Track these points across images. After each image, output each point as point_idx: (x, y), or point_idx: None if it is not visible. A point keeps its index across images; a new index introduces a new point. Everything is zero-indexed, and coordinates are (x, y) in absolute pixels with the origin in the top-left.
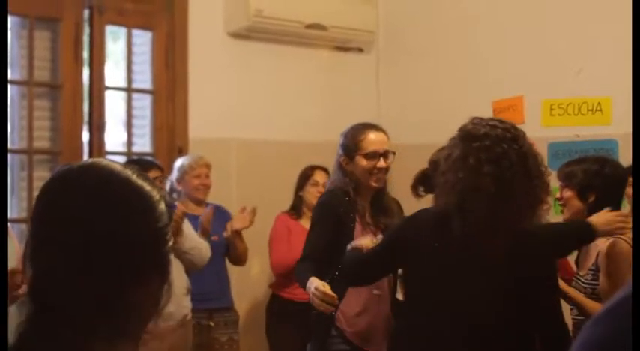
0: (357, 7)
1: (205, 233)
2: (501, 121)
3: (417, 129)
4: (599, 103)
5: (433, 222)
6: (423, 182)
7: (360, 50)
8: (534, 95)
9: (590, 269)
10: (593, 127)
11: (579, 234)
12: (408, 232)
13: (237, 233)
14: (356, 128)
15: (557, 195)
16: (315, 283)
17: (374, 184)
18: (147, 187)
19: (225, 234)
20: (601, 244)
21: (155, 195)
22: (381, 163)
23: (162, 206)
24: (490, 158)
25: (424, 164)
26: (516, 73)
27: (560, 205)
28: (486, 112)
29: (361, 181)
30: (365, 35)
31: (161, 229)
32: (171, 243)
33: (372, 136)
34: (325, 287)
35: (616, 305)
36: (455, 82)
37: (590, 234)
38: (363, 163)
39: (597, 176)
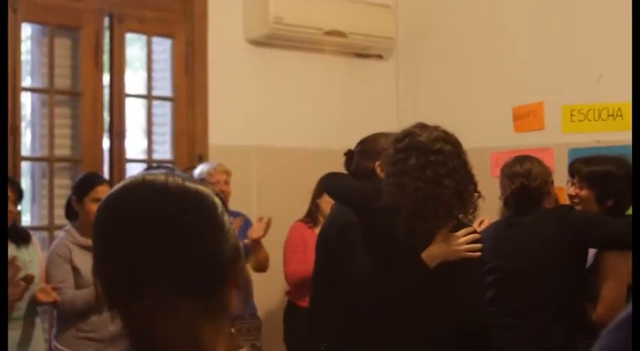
0: (376, 13)
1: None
2: (446, 134)
3: None
4: (619, 109)
5: (381, 221)
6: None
7: (380, 57)
8: (554, 101)
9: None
10: (614, 132)
11: None
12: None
13: (257, 242)
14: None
15: (571, 191)
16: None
17: None
18: (200, 188)
19: (246, 241)
20: None
21: (210, 193)
22: None
23: (219, 201)
24: (447, 172)
25: None
26: (536, 79)
27: (575, 202)
28: (507, 119)
29: None
30: (384, 42)
31: (227, 223)
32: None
33: None
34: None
35: (631, 314)
36: (475, 88)
37: None
38: None
39: (619, 181)
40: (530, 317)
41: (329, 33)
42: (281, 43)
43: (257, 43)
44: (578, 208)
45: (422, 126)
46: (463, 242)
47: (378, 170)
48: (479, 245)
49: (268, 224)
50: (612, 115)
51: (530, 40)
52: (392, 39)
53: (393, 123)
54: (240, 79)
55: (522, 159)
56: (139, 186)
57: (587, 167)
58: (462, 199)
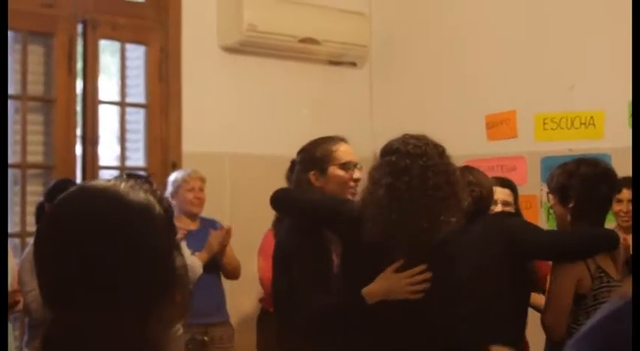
0: (350, 21)
1: (211, 253)
2: (419, 139)
3: None
4: (591, 117)
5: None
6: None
7: (353, 64)
8: (527, 110)
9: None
10: (586, 141)
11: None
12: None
13: (220, 251)
14: (323, 140)
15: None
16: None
17: (350, 197)
18: (139, 201)
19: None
20: None
21: (148, 207)
22: (357, 174)
23: (159, 214)
24: (391, 171)
25: None
26: (509, 88)
27: (553, 212)
28: (480, 127)
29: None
30: (358, 49)
31: (163, 240)
32: (177, 249)
33: (344, 146)
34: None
35: (598, 324)
36: (448, 96)
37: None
38: (340, 173)
39: (572, 177)
40: (477, 323)
41: (303, 40)
42: (255, 50)
43: (231, 50)
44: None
45: (405, 134)
46: (405, 284)
47: (313, 179)
48: (423, 286)
49: (228, 233)
50: (584, 124)
51: (504, 49)
52: (366, 47)
53: (367, 130)
54: (214, 87)
55: (469, 169)
56: (85, 193)
57: (550, 177)
58: (397, 200)
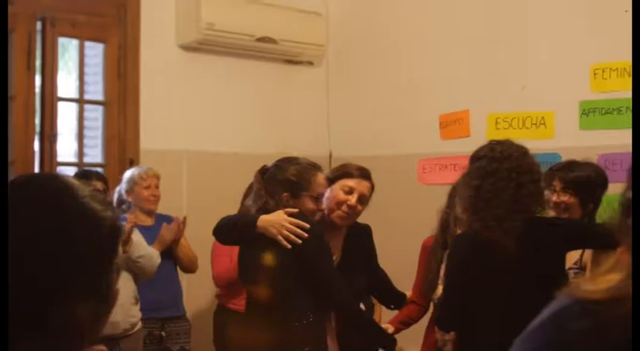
0: (307, 21)
1: (163, 246)
2: (504, 143)
3: (366, 142)
4: (542, 118)
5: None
6: None
7: (310, 63)
8: (480, 110)
9: (572, 268)
10: (537, 140)
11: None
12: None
13: (175, 243)
14: (305, 168)
15: (555, 198)
16: None
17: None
18: (99, 210)
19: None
20: None
21: (103, 219)
22: (323, 205)
23: (108, 230)
24: (480, 174)
25: (373, 177)
26: (463, 88)
27: (564, 208)
28: (433, 126)
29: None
30: (315, 49)
31: (103, 252)
32: (115, 272)
33: (320, 177)
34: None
35: (546, 320)
36: (403, 96)
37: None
38: (311, 205)
39: (597, 185)
40: None
41: (260, 39)
42: (212, 48)
43: (189, 48)
44: (565, 214)
45: (492, 140)
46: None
47: (285, 199)
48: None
49: (182, 224)
50: (536, 124)
51: (458, 50)
52: (323, 46)
53: (324, 129)
54: (172, 84)
55: None
56: (52, 180)
57: (572, 173)
58: (488, 199)
